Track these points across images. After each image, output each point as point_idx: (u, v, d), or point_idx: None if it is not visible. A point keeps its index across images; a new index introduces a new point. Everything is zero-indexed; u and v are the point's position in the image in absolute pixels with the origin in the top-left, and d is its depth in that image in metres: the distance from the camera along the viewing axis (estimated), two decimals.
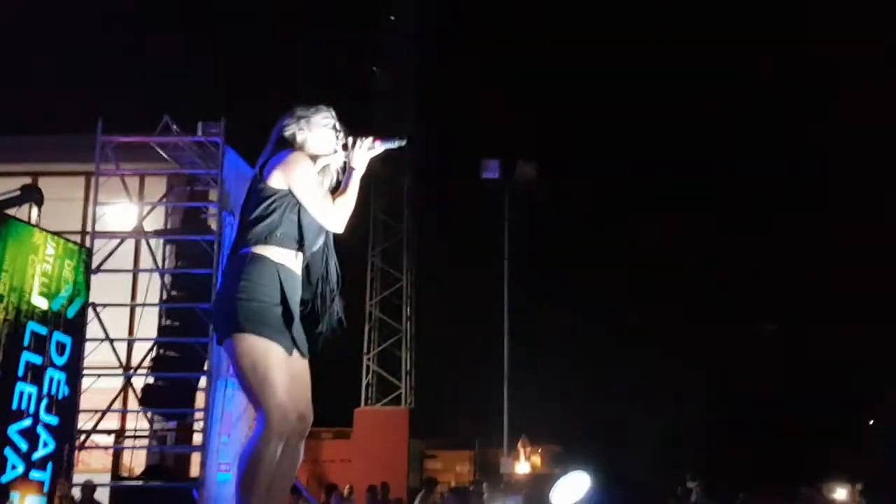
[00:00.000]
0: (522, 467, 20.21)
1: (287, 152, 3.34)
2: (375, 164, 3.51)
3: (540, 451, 22.51)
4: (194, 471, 9.66)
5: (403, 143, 3.43)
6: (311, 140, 3.40)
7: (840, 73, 20.55)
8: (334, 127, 3.44)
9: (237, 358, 3.20)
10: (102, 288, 9.42)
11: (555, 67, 21.44)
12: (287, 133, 3.41)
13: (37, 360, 8.20)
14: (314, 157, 3.40)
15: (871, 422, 20.88)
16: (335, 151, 3.43)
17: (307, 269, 3.39)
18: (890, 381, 18.12)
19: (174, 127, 9.45)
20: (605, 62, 21.47)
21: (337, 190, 3.43)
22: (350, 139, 3.42)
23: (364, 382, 18.26)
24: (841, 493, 13.08)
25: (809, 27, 20.72)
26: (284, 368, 3.19)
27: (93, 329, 9.24)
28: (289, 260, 3.28)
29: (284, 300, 3.22)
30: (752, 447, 20.00)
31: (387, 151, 3.47)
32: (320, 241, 3.40)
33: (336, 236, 3.46)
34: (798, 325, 20.99)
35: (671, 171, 21.56)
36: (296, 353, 3.27)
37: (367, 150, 3.40)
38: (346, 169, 3.43)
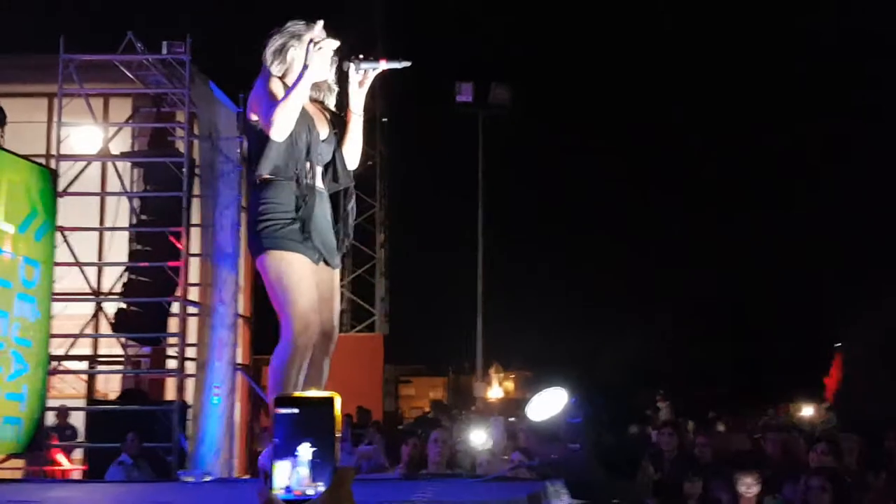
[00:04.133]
0: (495, 392, 20.50)
1: (259, 80, 3.37)
2: (345, 88, 3.50)
3: (512, 376, 22.81)
4: (170, 395, 9.66)
5: (408, 63, 3.44)
6: (302, 57, 3.35)
7: None
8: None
9: (265, 273, 3.33)
10: (70, 212, 9.24)
11: None
12: (275, 49, 3.39)
13: (5, 284, 8.06)
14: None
15: (838, 344, 21.32)
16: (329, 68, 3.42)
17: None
18: (855, 302, 18.44)
19: (138, 45, 9.16)
20: None
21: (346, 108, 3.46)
22: (359, 57, 3.41)
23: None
24: (808, 410, 13.50)
25: None
26: (309, 280, 3.30)
27: (62, 254, 9.09)
28: (303, 178, 3.34)
29: (303, 215, 3.29)
30: (723, 368, 20.40)
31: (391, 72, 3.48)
32: (322, 155, 3.42)
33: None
34: (766, 248, 21.25)
35: (647, 91, 21.46)
36: (322, 266, 3.36)
37: (372, 69, 3.40)
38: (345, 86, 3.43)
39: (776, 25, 21.35)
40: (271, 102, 3.28)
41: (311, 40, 3.32)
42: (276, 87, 3.33)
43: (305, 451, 1.24)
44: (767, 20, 21.40)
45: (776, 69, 21.83)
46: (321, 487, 1.24)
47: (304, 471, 1.24)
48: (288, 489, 1.25)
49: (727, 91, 21.66)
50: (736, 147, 22.19)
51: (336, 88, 3.51)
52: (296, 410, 1.25)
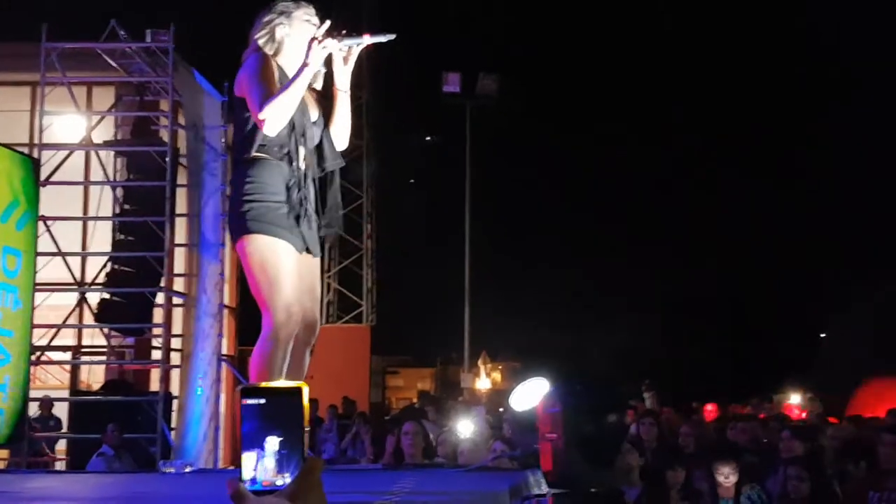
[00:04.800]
0: (483, 383, 20.54)
1: (248, 58, 3.28)
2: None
3: (500, 367, 22.85)
4: (154, 385, 9.63)
5: (392, 36, 3.29)
6: (292, 36, 3.30)
7: None
8: (315, 25, 3.33)
9: (247, 258, 3.19)
10: (53, 201, 9.18)
11: None
12: (265, 28, 3.31)
13: None
14: (292, 54, 3.30)
15: (823, 335, 21.45)
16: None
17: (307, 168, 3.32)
18: (839, 294, 18.56)
19: (122, 33, 9.09)
20: None
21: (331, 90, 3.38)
22: (342, 32, 3.28)
23: (325, 301, 18.25)
24: (795, 398, 13.55)
25: None
26: (293, 269, 3.18)
27: (45, 243, 9.03)
28: (295, 161, 3.23)
29: (291, 199, 3.19)
30: (712, 359, 20.46)
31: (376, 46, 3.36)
32: (312, 139, 3.32)
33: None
34: (759, 240, 21.33)
35: (632, 82, 21.45)
36: (305, 254, 3.26)
37: (356, 44, 3.29)
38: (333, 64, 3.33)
39: (775, 23, 21.39)
40: (263, 90, 3.16)
41: (314, 38, 3.21)
42: (268, 70, 3.23)
43: (273, 441, 1.24)
44: (767, 18, 21.43)
45: (773, 67, 21.88)
46: (289, 478, 1.23)
47: (271, 461, 1.24)
48: (255, 480, 1.24)
49: (721, 85, 21.69)
50: (726, 138, 22.25)
51: (324, 70, 3.39)
52: (262, 401, 1.25)
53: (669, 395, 13.23)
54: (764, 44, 21.72)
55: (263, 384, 1.30)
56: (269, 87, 3.18)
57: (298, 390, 1.26)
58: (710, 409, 12.18)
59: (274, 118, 3.13)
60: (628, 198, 21.62)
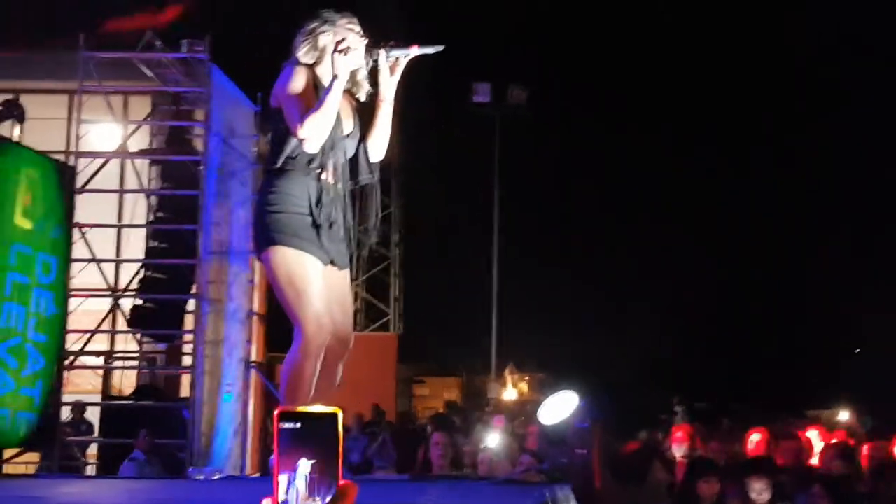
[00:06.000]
0: (509, 394, 20.44)
1: (284, 69, 3.27)
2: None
3: (527, 378, 22.74)
4: (184, 391, 9.71)
5: (440, 48, 3.31)
6: (334, 44, 3.26)
7: None
8: (358, 34, 3.31)
9: (273, 271, 3.19)
10: (88, 208, 9.31)
11: None
12: (308, 36, 3.30)
13: (23, 279, 8.13)
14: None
15: (857, 350, 21.14)
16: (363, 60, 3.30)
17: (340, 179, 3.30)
18: (870, 308, 18.28)
19: (158, 43, 9.22)
20: None
21: (374, 99, 3.36)
22: (390, 43, 3.29)
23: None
24: (844, 414, 13.27)
25: None
26: (320, 281, 3.17)
27: (79, 250, 9.17)
28: (326, 174, 3.22)
29: (314, 211, 3.17)
30: (748, 374, 20.20)
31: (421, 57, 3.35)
32: (346, 152, 3.31)
33: None
34: (797, 251, 21.06)
35: (660, 93, 21.32)
36: (330, 267, 3.23)
37: (403, 55, 3.30)
38: (375, 77, 3.32)
39: (775, 23, 21.16)
40: (300, 105, 3.16)
41: (336, 47, 3.19)
42: (303, 82, 3.21)
43: (307, 465, 1.25)
44: (777, 21, 21.19)
45: (787, 73, 21.63)
46: (321, 502, 1.25)
47: (305, 485, 1.25)
48: (287, 503, 1.25)
49: (744, 89, 21.47)
50: (762, 142, 22.02)
51: (368, 88, 3.36)
52: (298, 425, 1.26)
53: (698, 404, 13.10)
54: (781, 55, 21.43)
55: (299, 408, 1.31)
56: (304, 102, 3.17)
57: (334, 416, 1.27)
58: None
59: (314, 135, 3.13)
60: (664, 207, 21.41)
